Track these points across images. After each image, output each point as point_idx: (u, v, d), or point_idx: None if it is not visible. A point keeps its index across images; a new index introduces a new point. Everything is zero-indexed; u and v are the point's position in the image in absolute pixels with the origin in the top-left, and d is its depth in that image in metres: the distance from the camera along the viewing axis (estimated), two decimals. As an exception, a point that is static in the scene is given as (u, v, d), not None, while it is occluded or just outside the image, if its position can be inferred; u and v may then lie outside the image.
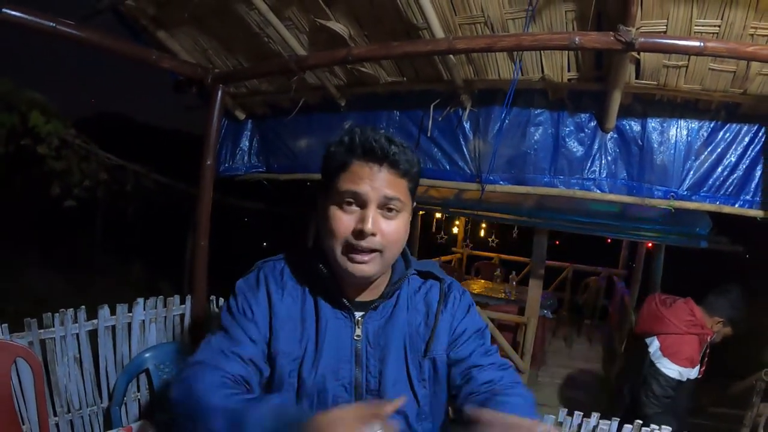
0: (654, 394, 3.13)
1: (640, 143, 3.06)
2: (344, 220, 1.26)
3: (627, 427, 2.66)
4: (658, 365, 3.17)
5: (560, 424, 2.79)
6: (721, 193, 2.96)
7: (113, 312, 3.53)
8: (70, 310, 3.32)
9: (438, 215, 8.27)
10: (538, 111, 3.24)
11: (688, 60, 2.61)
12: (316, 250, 1.39)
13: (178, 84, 4.11)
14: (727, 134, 2.94)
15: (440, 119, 3.45)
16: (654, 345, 3.24)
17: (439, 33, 2.75)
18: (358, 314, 1.38)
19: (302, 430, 0.98)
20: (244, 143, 4.44)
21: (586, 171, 3.15)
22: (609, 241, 8.96)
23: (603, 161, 3.13)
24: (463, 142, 3.41)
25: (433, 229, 8.75)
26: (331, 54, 3.02)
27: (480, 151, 3.35)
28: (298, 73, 3.26)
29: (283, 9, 3.05)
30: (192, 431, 1.14)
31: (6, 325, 2.99)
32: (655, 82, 2.82)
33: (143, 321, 3.69)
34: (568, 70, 2.94)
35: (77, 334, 3.36)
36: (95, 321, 3.44)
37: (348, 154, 1.27)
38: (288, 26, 3.16)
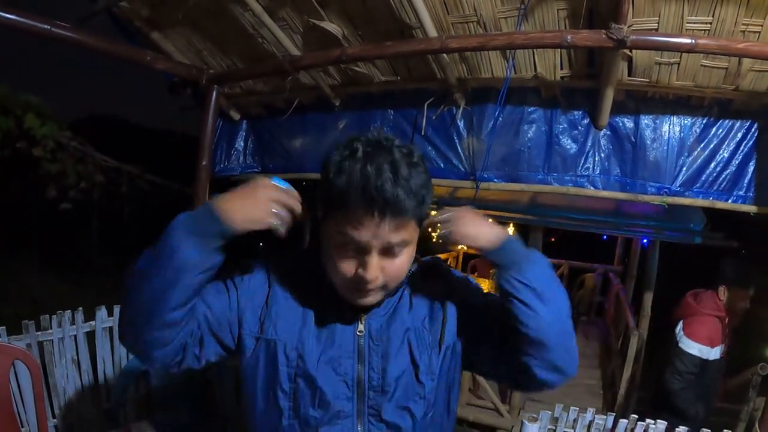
0: (677, 371, 3.20)
1: (633, 140, 3.07)
2: (345, 264, 1.19)
3: (622, 421, 2.68)
4: (680, 344, 3.25)
5: (556, 419, 2.81)
6: (714, 188, 2.97)
7: (110, 313, 3.54)
8: (68, 312, 3.33)
9: (433, 213, 8.27)
10: (532, 109, 3.24)
11: (680, 57, 2.61)
12: (316, 249, 1.32)
13: (172, 85, 4.11)
14: (720, 130, 2.95)
15: (434, 118, 3.45)
16: (678, 327, 3.33)
17: (432, 32, 2.76)
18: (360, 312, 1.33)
19: (216, 203, 1.15)
20: (239, 143, 4.44)
21: (580, 168, 3.16)
22: (605, 237, 8.99)
23: (596, 158, 3.14)
24: (457, 141, 3.41)
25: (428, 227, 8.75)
26: (325, 54, 3.03)
27: (474, 149, 3.36)
28: (293, 74, 3.27)
29: (277, 10, 3.05)
30: (146, 289, 1.17)
31: (4, 327, 3.00)
32: (647, 79, 2.83)
33: (140, 322, 3.69)
34: (561, 68, 2.94)
35: (75, 336, 3.38)
36: (93, 322, 3.46)
37: (348, 193, 1.12)
38: (282, 27, 3.16)
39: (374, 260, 1.17)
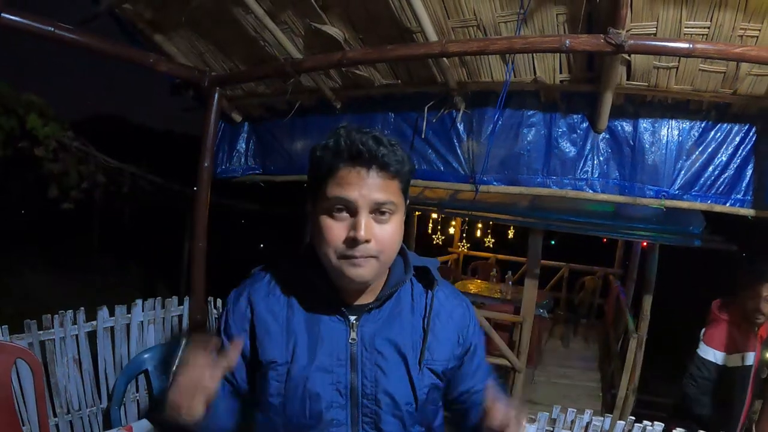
0: (692, 376, 3.21)
1: (632, 143, 3.09)
2: (336, 228, 1.20)
3: (620, 423, 2.69)
4: (697, 350, 3.25)
5: (554, 420, 2.82)
6: (713, 192, 2.99)
7: (112, 313, 3.56)
8: (69, 312, 3.34)
9: (434, 216, 8.27)
10: (531, 112, 3.27)
11: (679, 61, 2.64)
12: (309, 254, 1.33)
13: (175, 87, 4.14)
14: (718, 134, 2.97)
15: (434, 121, 3.48)
16: (700, 333, 3.34)
17: (433, 36, 2.78)
18: (352, 317, 1.32)
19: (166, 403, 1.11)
20: (241, 145, 4.46)
21: (579, 171, 3.18)
22: (605, 240, 8.99)
23: (595, 161, 3.16)
24: (456, 144, 3.43)
25: (429, 229, 8.75)
26: (327, 57, 3.05)
27: (474, 152, 3.38)
28: (294, 76, 3.29)
29: (279, 13, 3.08)
30: None
31: (6, 326, 3.02)
32: (646, 83, 2.85)
33: (142, 322, 3.71)
34: (560, 72, 2.97)
35: (76, 336, 3.39)
36: (94, 322, 3.47)
37: (334, 158, 1.19)
38: (284, 30, 3.18)
39: (364, 218, 1.18)
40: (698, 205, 3.03)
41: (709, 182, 3.00)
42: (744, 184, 2.94)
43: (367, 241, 1.18)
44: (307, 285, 1.33)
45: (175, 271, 8.44)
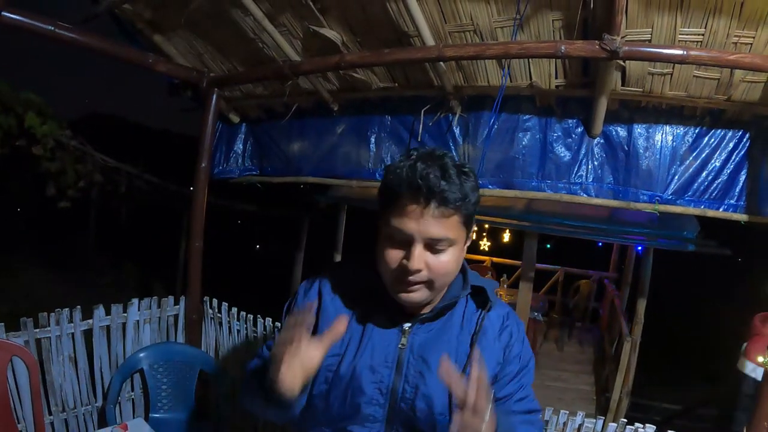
0: (739, 393, 3.12)
1: (626, 148, 3.11)
2: (393, 254, 1.25)
3: (611, 425, 2.71)
4: (738, 365, 3.19)
5: (546, 422, 2.84)
6: (706, 197, 3.00)
7: (108, 312, 3.57)
8: (66, 310, 3.35)
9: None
10: (527, 117, 3.28)
11: (673, 68, 2.65)
12: (374, 260, 1.36)
13: (173, 87, 4.15)
14: (712, 140, 2.99)
15: (431, 124, 3.49)
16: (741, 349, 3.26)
17: (430, 41, 2.80)
18: (406, 325, 1.37)
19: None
20: (238, 146, 4.47)
21: (573, 175, 3.20)
22: (600, 244, 9.02)
23: (590, 166, 3.18)
24: (452, 147, 3.45)
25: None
26: (325, 60, 3.07)
27: (469, 156, 3.40)
28: (292, 78, 3.30)
29: (277, 15, 3.09)
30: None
31: (2, 324, 3.02)
32: (640, 89, 2.87)
33: (138, 321, 3.72)
34: (556, 77, 2.98)
35: (72, 334, 3.39)
36: (90, 321, 3.48)
37: (397, 187, 1.21)
38: (282, 32, 3.20)
39: (417, 250, 1.21)
40: (691, 210, 3.05)
41: (702, 187, 3.01)
42: (737, 190, 2.96)
43: (419, 270, 1.22)
44: (370, 288, 1.37)
45: (171, 270, 8.45)
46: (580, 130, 3.19)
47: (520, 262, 6.88)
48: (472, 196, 1.24)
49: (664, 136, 3.07)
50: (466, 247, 1.34)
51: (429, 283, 1.26)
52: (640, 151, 3.09)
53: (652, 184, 3.08)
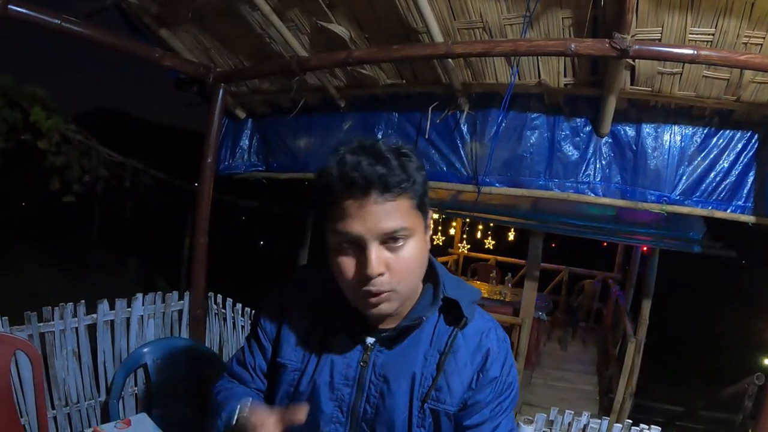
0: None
1: (635, 148, 3.10)
2: (347, 264, 1.11)
3: (616, 425, 2.70)
4: None
5: (552, 422, 2.84)
6: (714, 198, 2.99)
7: (112, 306, 3.57)
8: (70, 304, 3.35)
9: (435, 216, 8.29)
10: (535, 115, 3.27)
11: (682, 67, 2.64)
12: None
13: (179, 82, 4.15)
14: (720, 140, 2.97)
15: (438, 121, 3.48)
16: None
17: (438, 37, 2.78)
18: (370, 340, 1.26)
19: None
20: (244, 142, 4.47)
21: (581, 174, 3.18)
22: (605, 245, 9.01)
23: (597, 165, 3.16)
24: (460, 145, 3.44)
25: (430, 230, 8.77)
26: (332, 56, 3.06)
27: (477, 154, 3.39)
28: (299, 74, 3.30)
29: (285, 10, 3.08)
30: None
31: (6, 318, 3.02)
32: (649, 89, 2.85)
33: (142, 316, 3.72)
34: (565, 75, 2.97)
35: (76, 328, 3.39)
36: (94, 315, 3.48)
37: (330, 189, 1.08)
38: (290, 27, 3.19)
39: (373, 253, 1.07)
40: (699, 211, 3.04)
41: (710, 188, 3.00)
42: (745, 191, 2.94)
43: (381, 274, 1.09)
44: (333, 297, 1.23)
45: (175, 266, 8.46)
46: (588, 129, 3.18)
47: (524, 261, 6.88)
48: (417, 176, 1.10)
49: (672, 136, 3.05)
50: (428, 239, 1.21)
51: (393, 291, 1.12)
52: (649, 150, 3.08)
53: (659, 184, 3.06)
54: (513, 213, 5.22)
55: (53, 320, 3.27)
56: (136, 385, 3.72)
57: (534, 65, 2.97)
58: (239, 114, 4.39)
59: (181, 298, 3.97)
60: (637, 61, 2.61)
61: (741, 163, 2.94)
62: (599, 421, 2.81)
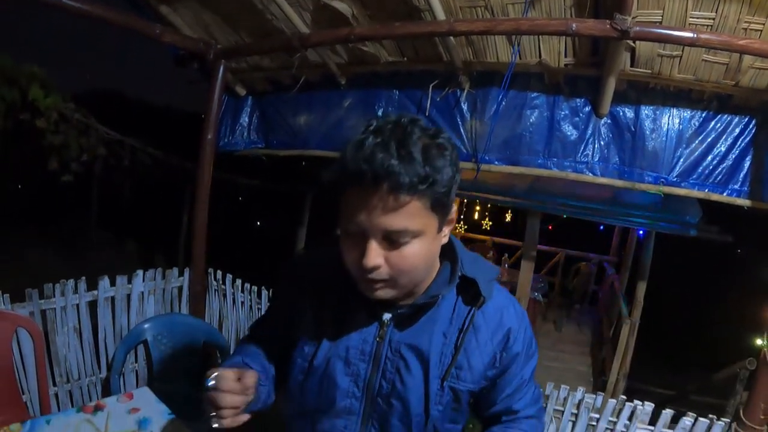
0: None
1: (633, 129, 3.12)
2: (350, 250, 1.09)
3: (611, 401, 2.75)
4: None
5: (547, 397, 2.88)
6: (710, 181, 3.01)
7: (113, 283, 3.58)
8: (71, 281, 3.36)
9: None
10: (535, 94, 3.28)
11: (682, 50, 2.65)
12: None
13: (179, 58, 4.13)
14: (718, 124, 2.99)
15: (439, 99, 3.49)
16: None
17: (441, 15, 2.78)
18: (386, 315, 1.24)
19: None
20: (244, 119, 4.46)
21: (579, 154, 3.20)
22: (602, 227, 9.04)
23: (596, 145, 3.18)
24: (460, 123, 3.45)
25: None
26: (334, 32, 3.06)
27: (476, 132, 3.40)
28: (301, 51, 3.29)
29: (286, -14, 3.07)
30: None
31: (8, 295, 3.04)
32: (649, 71, 2.86)
33: (142, 293, 3.74)
34: (565, 56, 2.98)
35: (77, 305, 3.41)
36: (95, 292, 3.49)
37: (341, 175, 1.04)
38: (291, 3, 3.17)
39: (372, 246, 1.04)
40: (695, 193, 3.06)
41: (707, 171, 3.02)
42: (741, 175, 2.97)
43: (377, 267, 1.06)
44: (349, 276, 1.17)
45: (174, 244, 8.47)
46: (587, 109, 3.19)
47: (521, 243, 6.91)
48: (443, 173, 1.02)
49: (670, 118, 3.07)
50: (445, 234, 1.19)
51: (391, 281, 1.10)
52: (647, 132, 3.10)
53: (657, 166, 3.09)
54: (511, 193, 5.24)
55: (54, 297, 3.29)
56: (136, 361, 3.75)
57: (535, 44, 2.97)
58: (239, 91, 4.38)
59: (181, 274, 4.00)
60: (637, 42, 2.62)
61: (738, 147, 2.97)
62: (594, 395, 2.85)
